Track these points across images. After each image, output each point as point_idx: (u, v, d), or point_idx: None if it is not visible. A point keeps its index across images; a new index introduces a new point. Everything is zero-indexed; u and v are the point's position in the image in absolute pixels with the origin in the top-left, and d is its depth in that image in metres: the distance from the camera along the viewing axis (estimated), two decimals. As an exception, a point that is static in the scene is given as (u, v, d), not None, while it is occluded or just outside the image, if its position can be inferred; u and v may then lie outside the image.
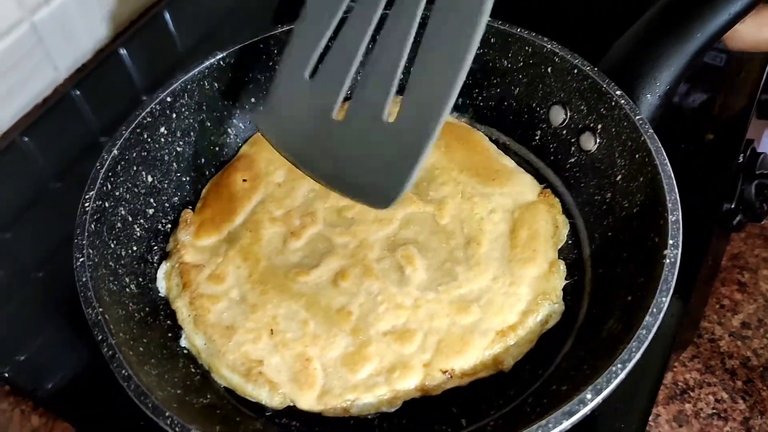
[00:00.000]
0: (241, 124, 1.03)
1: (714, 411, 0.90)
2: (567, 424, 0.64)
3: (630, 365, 0.67)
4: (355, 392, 0.78)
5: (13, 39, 1.15)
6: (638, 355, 0.67)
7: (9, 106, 1.21)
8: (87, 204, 0.82)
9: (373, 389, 0.78)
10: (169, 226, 0.95)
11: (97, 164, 0.86)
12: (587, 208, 0.92)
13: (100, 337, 0.71)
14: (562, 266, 0.86)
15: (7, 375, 0.93)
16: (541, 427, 0.63)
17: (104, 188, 0.85)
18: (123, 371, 0.69)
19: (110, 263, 0.83)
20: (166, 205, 0.95)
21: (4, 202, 1.11)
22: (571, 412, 0.64)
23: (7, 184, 1.12)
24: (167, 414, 0.66)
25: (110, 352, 0.70)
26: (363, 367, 0.79)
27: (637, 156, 0.85)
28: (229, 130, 1.02)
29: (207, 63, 0.97)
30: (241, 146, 1.03)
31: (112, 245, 0.84)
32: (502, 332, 0.81)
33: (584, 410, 0.64)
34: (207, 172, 1.00)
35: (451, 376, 0.79)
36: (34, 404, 0.93)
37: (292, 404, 0.79)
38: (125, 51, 1.25)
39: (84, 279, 0.76)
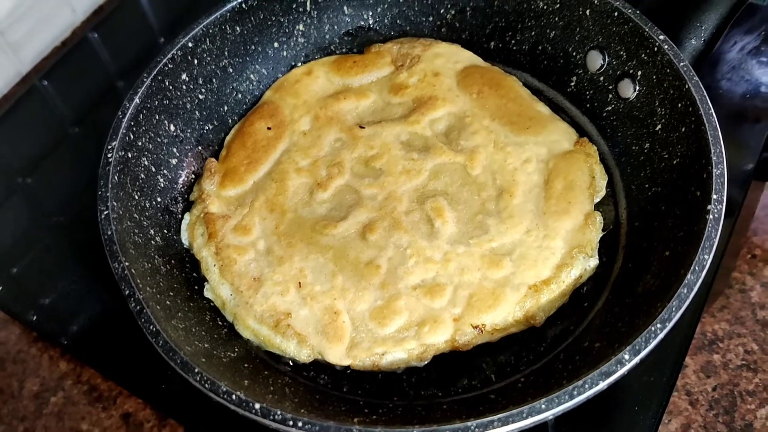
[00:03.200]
0: (264, 70, 1.00)
1: (743, 362, 0.87)
2: (603, 384, 0.62)
3: (670, 325, 0.65)
4: (384, 346, 0.77)
5: (31, -19, 1.13)
6: (678, 314, 0.65)
7: (28, 49, 1.20)
8: (110, 155, 0.80)
9: (403, 343, 0.77)
10: (193, 176, 0.93)
11: (119, 113, 0.84)
12: (624, 158, 0.89)
13: (127, 292, 0.70)
14: (598, 218, 0.84)
15: (33, 319, 0.95)
16: (577, 387, 0.62)
17: (127, 138, 0.83)
18: (151, 327, 0.68)
19: (135, 215, 0.81)
20: (189, 154, 0.93)
21: (24, 148, 1.11)
22: (609, 372, 0.62)
23: (27, 129, 1.12)
24: (197, 370, 0.65)
25: (138, 308, 0.69)
26: (392, 321, 0.78)
27: (679, 105, 0.81)
28: (251, 76, 0.99)
29: (228, 6, 0.93)
30: (263, 93, 1.00)
31: (136, 197, 0.83)
32: (535, 287, 0.79)
33: (622, 371, 0.63)
34: (230, 120, 0.98)
35: (482, 331, 0.77)
36: (62, 350, 0.95)
37: (320, 358, 0.78)
38: None
39: (109, 232, 0.74)
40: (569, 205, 0.84)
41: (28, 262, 1.00)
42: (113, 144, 0.81)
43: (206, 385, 0.64)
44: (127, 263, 0.72)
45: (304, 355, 0.78)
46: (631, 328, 0.69)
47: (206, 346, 0.75)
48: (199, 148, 0.94)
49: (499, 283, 0.79)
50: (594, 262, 0.81)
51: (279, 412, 0.62)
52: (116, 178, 0.79)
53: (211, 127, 0.96)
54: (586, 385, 0.62)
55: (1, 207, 1.05)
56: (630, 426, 0.79)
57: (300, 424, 0.62)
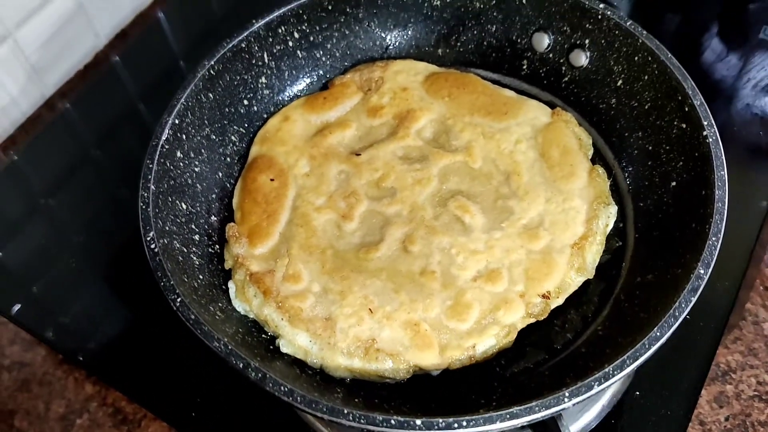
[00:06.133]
0: (241, 129, 1.02)
1: (756, 393, 0.90)
2: (693, 301, 0.71)
3: (722, 229, 0.75)
4: (471, 338, 0.82)
5: (55, 6, 1.20)
6: (723, 224, 0.76)
7: (52, 72, 1.26)
8: (153, 245, 0.79)
9: (487, 330, 0.82)
10: (217, 246, 0.93)
11: (141, 204, 0.83)
12: (595, 118, 1.00)
13: (241, 365, 0.71)
14: (600, 170, 0.94)
15: (51, 337, 0.98)
16: (677, 309, 0.71)
17: (158, 226, 0.82)
18: (282, 387, 0.69)
19: (194, 297, 0.81)
20: (206, 227, 0.93)
21: (47, 169, 1.16)
22: (695, 288, 0.72)
23: (50, 151, 1.18)
24: (346, 411, 0.67)
25: (259, 375, 0.70)
26: (468, 314, 0.83)
27: (636, 58, 0.93)
28: (232, 137, 1.01)
29: (199, 75, 0.94)
30: (247, 149, 1.02)
31: (186, 279, 0.82)
32: (576, 245, 0.87)
33: (703, 284, 0.72)
34: (228, 185, 0.99)
35: (549, 297, 0.85)
36: (87, 372, 0.97)
37: (417, 371, 0.82)
38: (163, 15, 1.31)
39: (192, 316, 0.74)
40: (572, 168, 0.93)
41: (48, 282, 1.03)
42: (150, 234, 0.80)
43: (362, 420, 0.67)
44: (225, 340, 0.73)
45: (402, 373, 0.81)
46: (676, 253, 0.79)
47: (315, 395, 0.76)
48: (212, 218, 0.94)
49: (544, 252, 0.87)
50: (613, 208, 0.91)
51: (441, 420, 0.66)
52: (167, 264, 0.79)
53: (214, 196, 0.96)
54: (682, 305, 0.71)
55: (24, 227, 1.10)
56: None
57: (464, 423, 0.66)
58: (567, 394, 0.66)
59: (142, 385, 0.96)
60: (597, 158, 0.98)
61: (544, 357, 0.84)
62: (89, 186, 1.16)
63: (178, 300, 0.75)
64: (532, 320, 0.84)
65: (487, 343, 0.82)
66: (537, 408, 0.66)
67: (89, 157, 1.19)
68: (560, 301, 0.86)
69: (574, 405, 0.67)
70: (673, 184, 0.87)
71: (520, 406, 0.66)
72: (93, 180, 1.17)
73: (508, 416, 0.65)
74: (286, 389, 0.69)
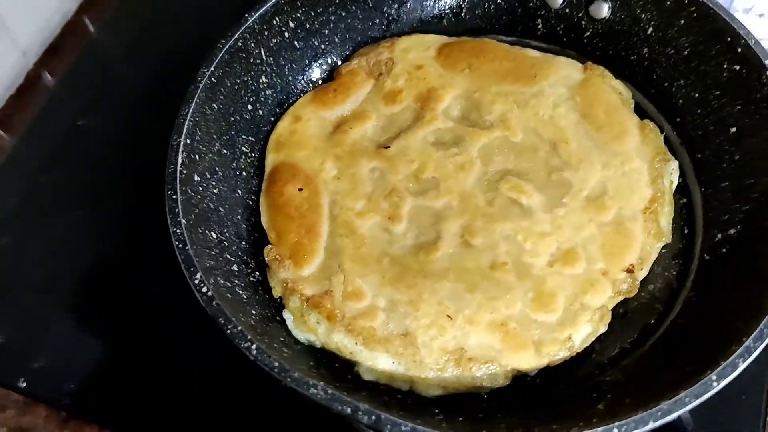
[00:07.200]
0: (250, 137, 0.91)
1: None
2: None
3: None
4: (565, 329, 0.76)
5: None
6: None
7: None
8: (204, 288, 0.69)
9: (580, 317, 0.76)
10: (258, 273, 0.82)
11: (176, 243, 0.72)
12: (627, 71, 0.94)
13: (349, 411, 0.62)
14: (651, 124, 0.88)
15: (23, 385, 0.88)
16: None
17: (200, 264, 0.71)
18: (403, 427, 0.61)
19: (258, 336, 0.70)
20: (240, 253, 0.82)
21: None
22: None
23: None
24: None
25: (372, 418, 0.62)
26: (555, 303, 0.77)
27: (667, 3, 0.87)
28: (243, 148, 0.90)
29: (201, 84, 0.83)
30: (261, 159, 0.91)
31: (243, 318, 0.72)
32: (647, 208, 0.82)
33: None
34: (250, 202, 0.88)
35: (633, 271, 0.79)
36: (99, 428, 0.86)
37: (516, 374, 0.75)
38: (89, 21, 1.22)
39: (276, 363, 0.64)
40: (621, 126, 0.87)
41: (14, 324, 0.93)
42: (198, 276, 0.69)
43: None
44: (322, 383, 0.63)
45: (501, 379, 0.74)
46: (758, 202, 0.75)
47: (419, 421, 0.68)
48: (243, 243, 0.84)
49: (616, 223, 0.81)
50: (674, 163, 0.86)
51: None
52: (227, 308, 0.68)
53: (239, 217, 0.85)
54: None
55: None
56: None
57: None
58: (714, 377, 0.61)
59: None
60: (638, 113, 0.91)
61: (638, 334, 0.78)
62: (42, 217, 1.02)
63: (254, 347, 0.65)
64: (621, 298, 0.78)
65: (584, 331, 0.76)
66: (687, 399, 0.60)
67: (37, 184, 1.05)
68: (645, 272, 0.80)
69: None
70: (733, 129, 0.82)
71: (669, 402, 0.60)
72: (45, 211, 1.03)
73: (660, 413, 0.60)
74: (408, 428, 0.61)
